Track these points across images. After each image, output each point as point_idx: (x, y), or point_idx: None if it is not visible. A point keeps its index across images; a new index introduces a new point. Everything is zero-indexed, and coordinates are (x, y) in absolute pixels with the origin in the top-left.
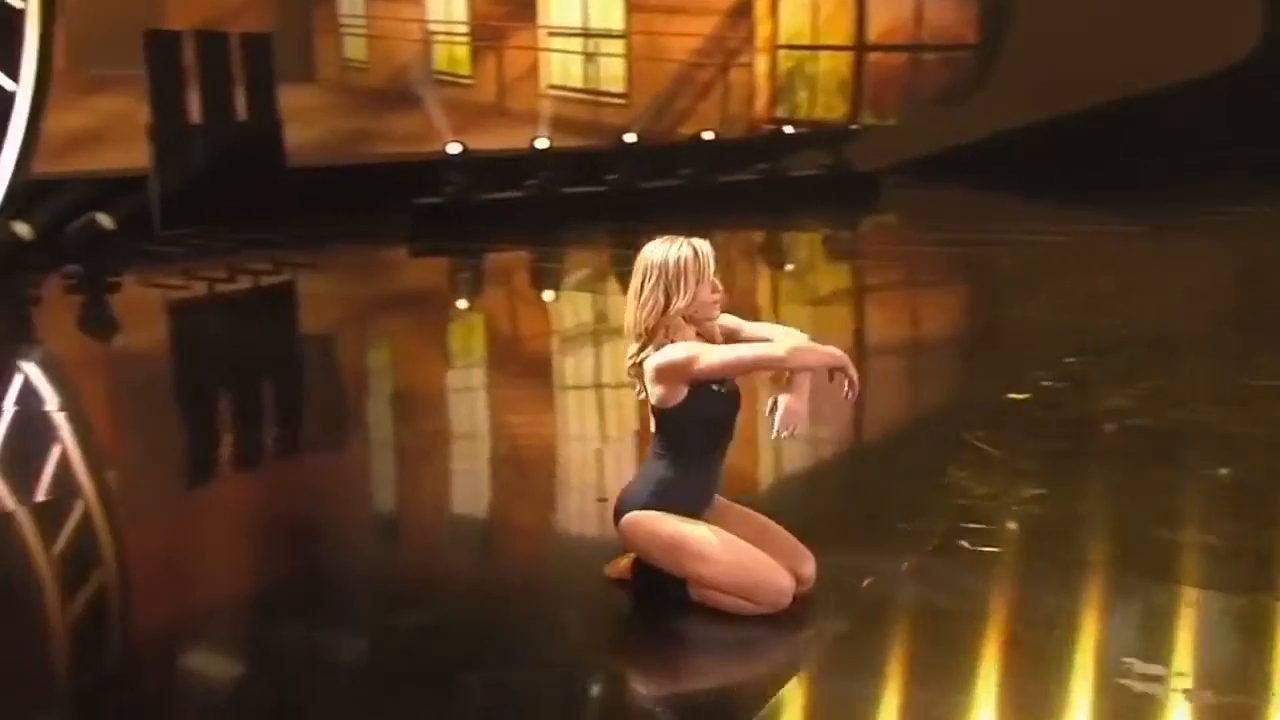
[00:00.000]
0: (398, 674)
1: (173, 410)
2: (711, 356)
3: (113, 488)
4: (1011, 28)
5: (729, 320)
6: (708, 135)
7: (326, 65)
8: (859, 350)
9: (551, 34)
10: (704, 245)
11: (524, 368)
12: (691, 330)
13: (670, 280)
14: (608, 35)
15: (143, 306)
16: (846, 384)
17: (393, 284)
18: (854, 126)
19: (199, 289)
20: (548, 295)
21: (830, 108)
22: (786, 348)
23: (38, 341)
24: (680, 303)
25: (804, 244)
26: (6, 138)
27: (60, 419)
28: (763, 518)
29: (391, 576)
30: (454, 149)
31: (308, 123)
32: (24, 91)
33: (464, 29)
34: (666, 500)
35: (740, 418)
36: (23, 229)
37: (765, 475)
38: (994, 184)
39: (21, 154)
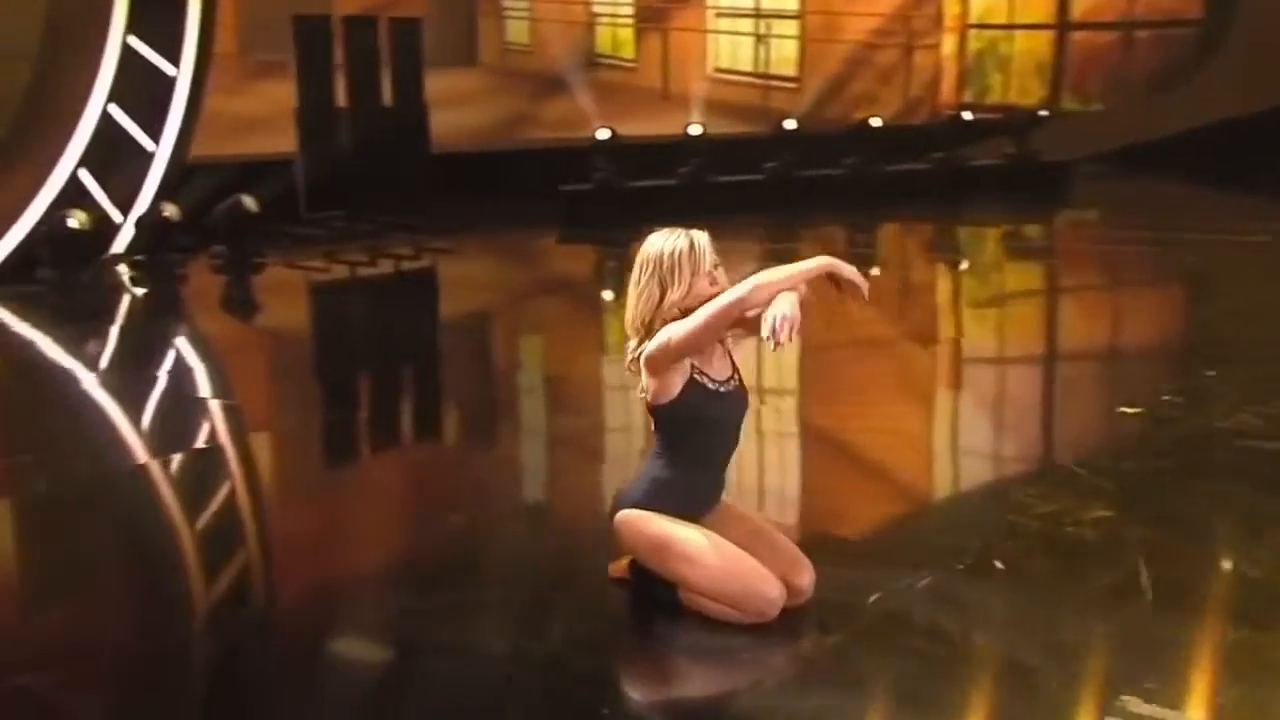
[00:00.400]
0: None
1: (312, 391)
2: (682, 327)
3: (254, 464)
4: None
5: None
6: (875, 122)
7: (488, 49)
8: (991, 354)
9: (720, 15)
10: (701, 237)
11: None
12: None
13: (665, 273)
14: (780, 15)
15: (284, 287)
16: (851, 286)
17: (536, 271)
18: (1043, 113)
19: (340, 272)
20: None
21: (1026, 92)
22: (750, 284)
23: (181, 319)
24: (674, 295)
25: (981, 240)
26: (166, 121)
27: (205, 398)
28: (763, 521)
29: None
30: (603, 134)
31: (465, 107)
32: (184, 76)
33: (628, 10)
34: (660, 501)
35: (746, 420)
36: (170, 210)
37: (817, 478)
38: (1201, 177)
39: (180, 137)
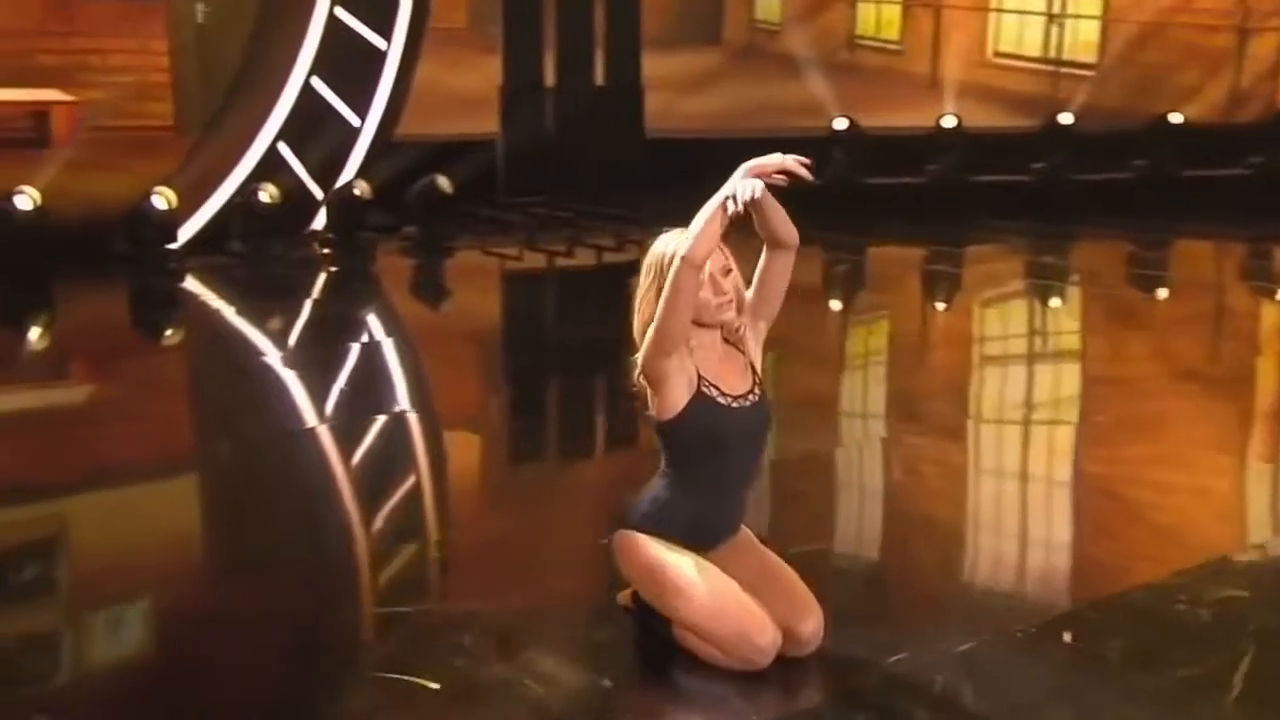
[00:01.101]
0: None
1: (496, 387)
2: (657, 314)
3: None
4: None
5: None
6: (1175, 118)
7: (734, 27)
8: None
9: None
10: None
11: (909, 386)
12: (710, 336)
13: (665, 278)
14: None
15: (476, 274)
16: (790, 172)
17: (749, 270)
18: None
19: (536, 261)
20: (940, 304)
21: None
22: (685, 245)
23: (367, 301)
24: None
25: None
26: (373, 97)
27: (394, 386)
28: (775, 559)
29: None
30: (840, 124)
31: (695, 90)
32: (395, 50)
33: None
34: (662, 525)
35: (767, 439)
36: (361, 187)
37: (905, 521)
38: None
39: (386, 114)
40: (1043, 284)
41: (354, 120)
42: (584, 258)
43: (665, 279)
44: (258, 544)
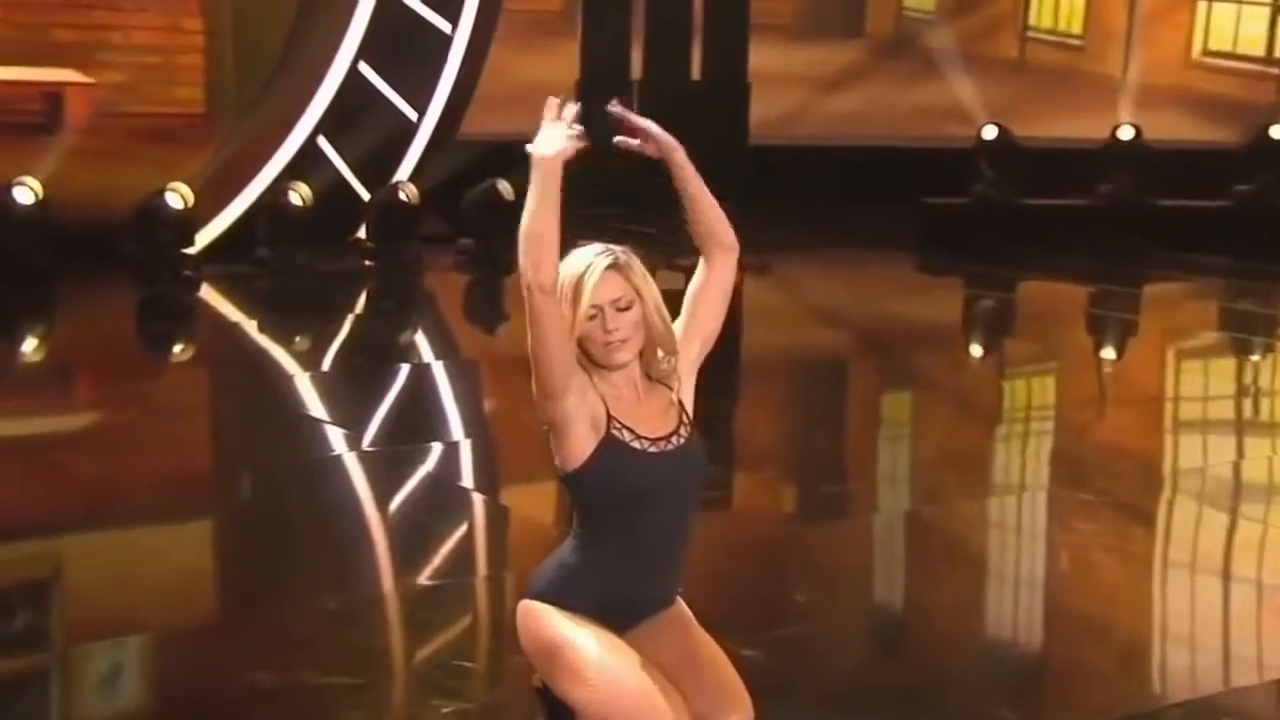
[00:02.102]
0: None
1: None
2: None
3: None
4: None
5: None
6: None
7: (879, 16)
8: None
9: None
10: (603, 256)
11: (1072, 454)
12: (621, 372)
13: (572, 301)
14: None
15: None
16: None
17: (878, 306)
18: None
19: None
20: (1108, 353)
21: None
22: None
23: (409, 322)
24: None
25: None
26: (435, 87)
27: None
28: (707, 643)
29: None
30: (989, 133)
31: (822, 88)
32: (461, 34)
33: None
34: (569, 595)
35: (699, 491)
36: (409, 192)
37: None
38: None
39: (449, 108)
40: (1242, 338)
41: (409, 113)
42: (669, 280)
43: (573, 312)
44: (277, 595)
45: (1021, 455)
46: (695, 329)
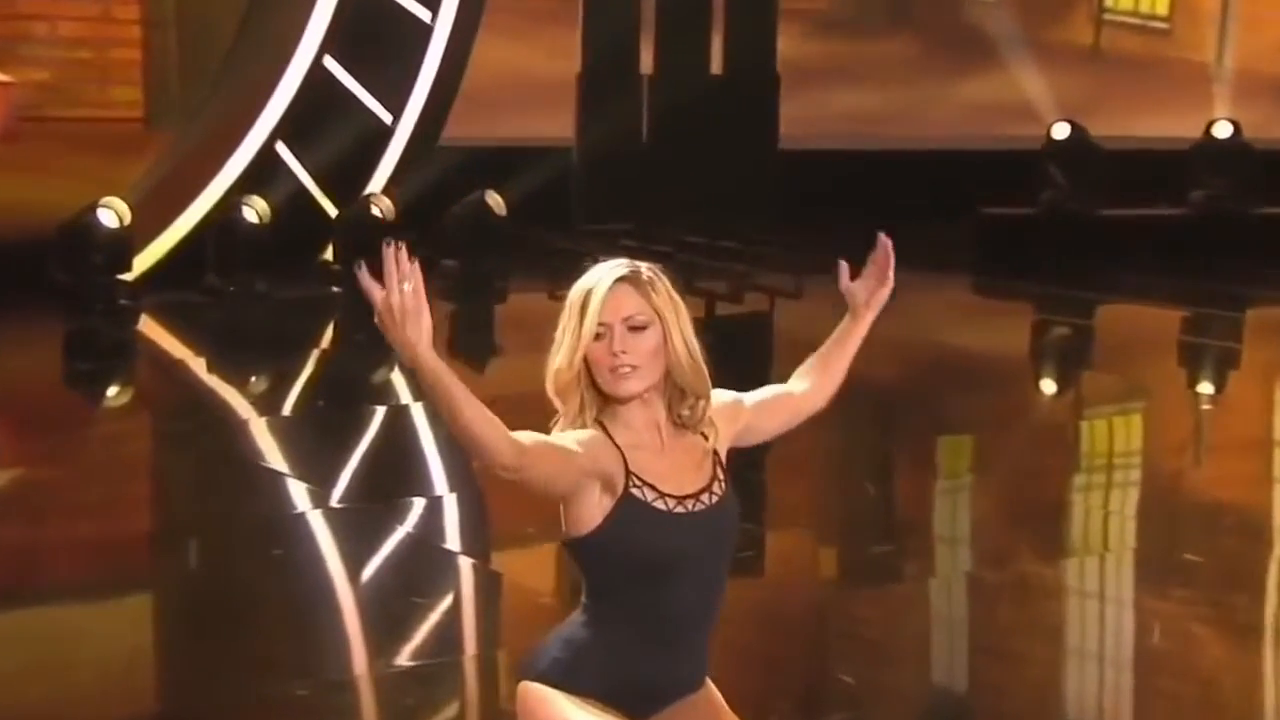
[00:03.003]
0: None
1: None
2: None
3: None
4: None
5: (728, 398)
6: None
7: (932, 3)
8: None
9: None
10: (618, 269)
11: (1164, 510)
12: (642, 412)
13: (562, 320)
14: None
15: (538, 325)
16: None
17: (925, 332)
18: None
19: None
20: (1205, 388)
21: None
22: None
23: (390, 359)
24: (559, 358)
25: None
26: (413, 86)
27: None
28: None
29: None
30: (1060, 131)
31: (864, 83)
32: (443, 24)
33: None
34: (575, 679)
35: (730, 555)
36: (383, 206)
37: None
38: None
39: (429, 108)
40: None
41: (383, 115)
42: (689, 307)
43: (570, 318)
44: (234, 681)
45: (1104, 510)
46: (756, 414)
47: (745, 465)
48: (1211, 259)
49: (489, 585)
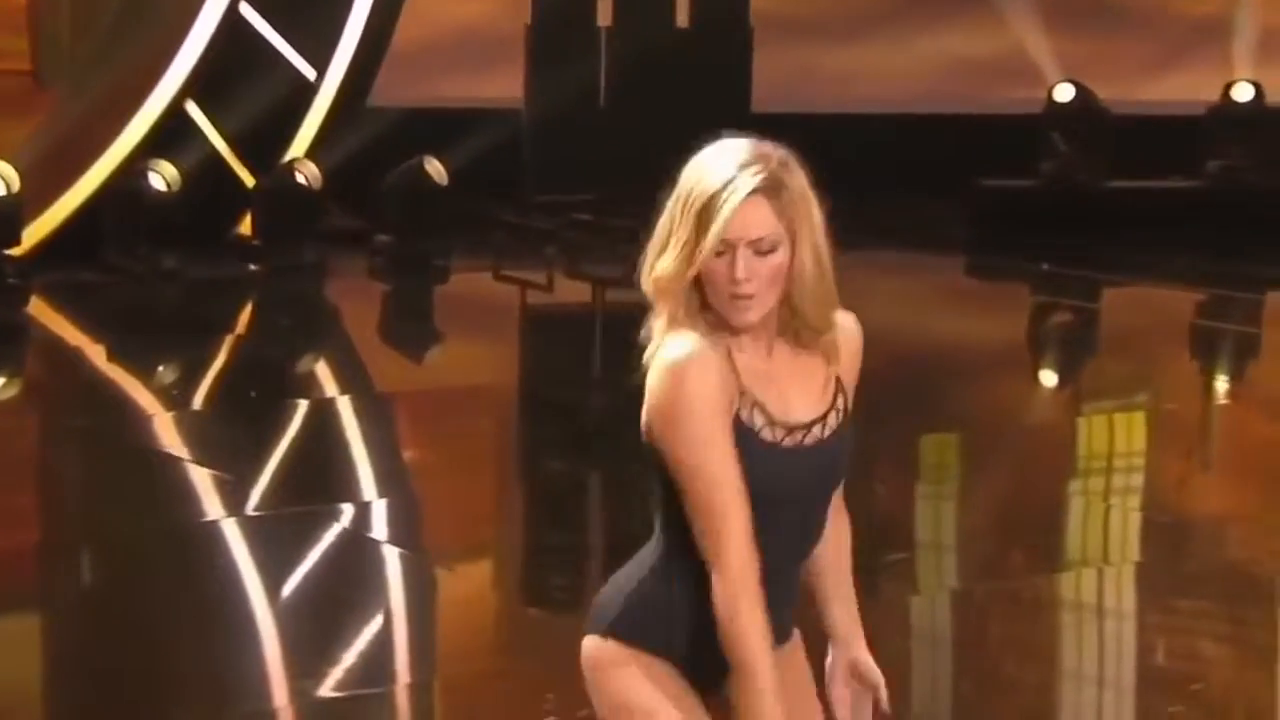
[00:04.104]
0: None
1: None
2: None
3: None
4: None
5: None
6: None
7: None
8: None
9: None
10: (751, 172)
11: (1178, 514)
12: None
13: (672, 213)
14: None
15: (482, 309)
16: None
17: (913, 317)
18: None
19: (575, 292)
20: (1222, 383)
21: None
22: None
23: (316, 346)
24: (666, 263)
25: None
26: (339, 39)
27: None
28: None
29: None
30: (1064, 93)
31: (845, 39)
32: None
33: None
34: (644, 633)
35: (835, 489)
36: (308, 173)
37: None
38: None
39: (357, 64)
40: None
41: (306, 71)
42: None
43: (685, 220)
44: (135, 714)
45: (1104, 517)
46: None
47: None
48: (1229, 236)
49: (424, 601)
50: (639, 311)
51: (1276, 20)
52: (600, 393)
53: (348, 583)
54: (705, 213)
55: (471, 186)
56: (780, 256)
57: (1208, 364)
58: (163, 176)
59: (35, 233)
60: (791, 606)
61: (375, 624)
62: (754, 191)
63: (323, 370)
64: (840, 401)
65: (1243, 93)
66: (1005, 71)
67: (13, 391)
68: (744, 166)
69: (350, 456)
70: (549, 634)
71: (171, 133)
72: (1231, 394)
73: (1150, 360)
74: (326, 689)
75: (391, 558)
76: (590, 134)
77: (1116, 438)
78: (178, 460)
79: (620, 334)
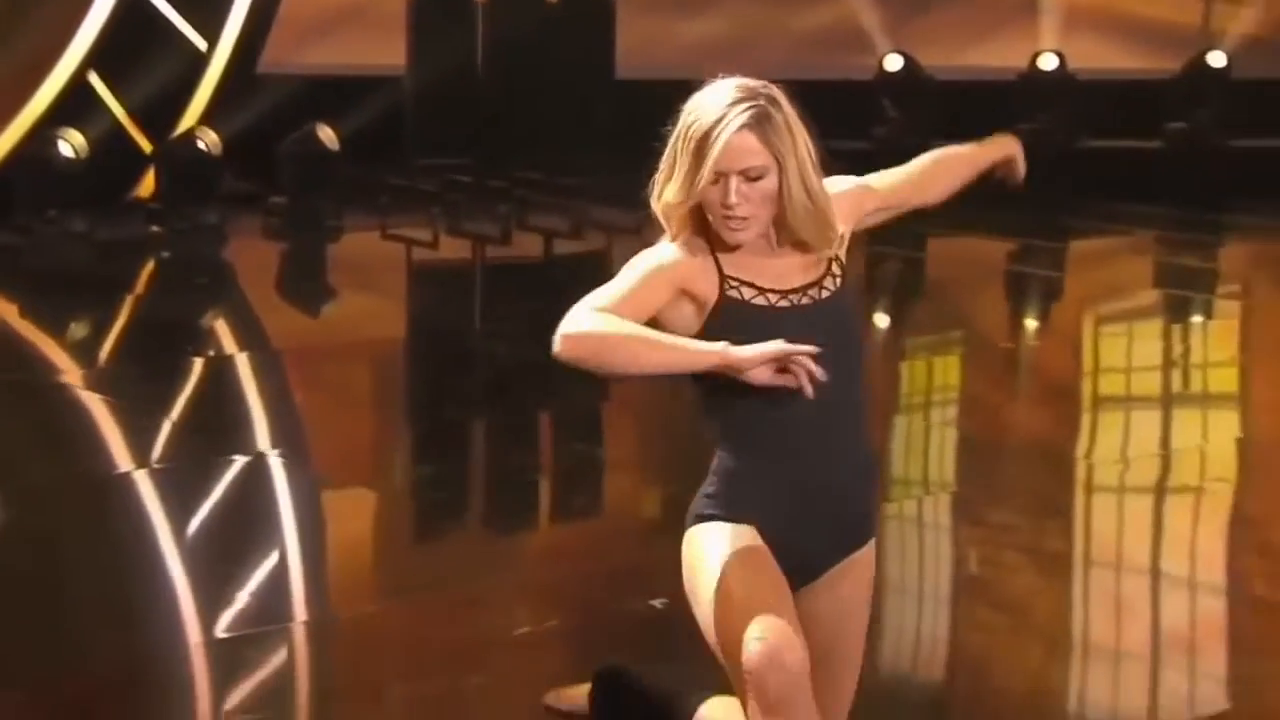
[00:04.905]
0: None
1: (404, 425)
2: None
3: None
4: None
5: (849, 186)
6: None
7: None
8: None
9: None
10: (742, 109)
11: (982, 442)
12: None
13: (674, 146)
14: None
15: (372, 266)
16: None
17: None
18: None
19: (458, 250)
20: (1029, 323)
21: None
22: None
23: (213, 304)
24: (670, 191)
25: None
26: (228, 7)
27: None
28: (847, 655)
29: None
30: (893, 64)
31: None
32: None
33: None
34: (728, 507)
35: (859, 349)
36: (208, 140)
37: None
38: None
39: (247, 32)
40: (1182, 295)
41: (198, 41)
42: (526, 246)
43: (685, 153)
44: (49, 642)
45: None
46: (885, 199)
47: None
48: (1038, 191)
49: (315, 546)
50: (516, 267)
51: (1118, 9)
52: (483, 340)
53: (241, 530)
54: (701, 146)
55: (360, 151)
56: (769, 182)
57: (1016, 306)
58: (71, 145)
59: None
60: (863, 477)
61: (268, 564)
62: (743, 126)
63: (221, 327)
64: (833, 268)
65: (1048, 62)
66: (842, 41)
67: None
68: (734, 104)
69: (246, 410)
70: (445, 566)
71: (76, 102)
72: (1036, 333)
73: (966, 302)
74: (231, 629)
75: (289, 502)
76: (468, 102)
77: (927, 371)
78: (81, 415)
79: (500, 285)
